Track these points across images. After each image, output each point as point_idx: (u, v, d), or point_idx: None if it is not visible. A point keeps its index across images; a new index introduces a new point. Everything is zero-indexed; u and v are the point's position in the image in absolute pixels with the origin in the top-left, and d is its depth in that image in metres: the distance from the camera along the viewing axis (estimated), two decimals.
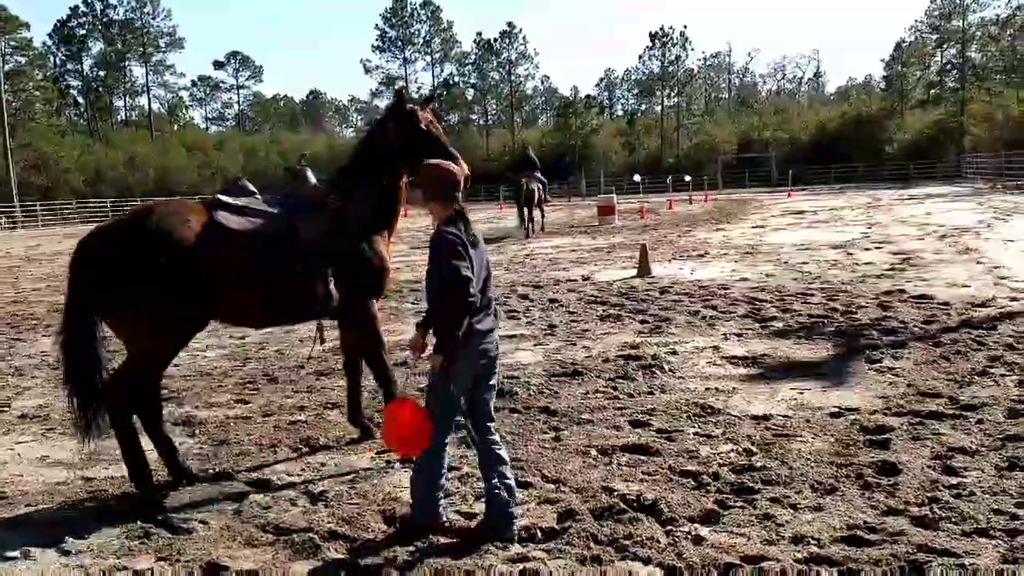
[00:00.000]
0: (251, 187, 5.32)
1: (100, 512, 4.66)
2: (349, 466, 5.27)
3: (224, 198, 5.09)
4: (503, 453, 4.22)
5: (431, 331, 4.07)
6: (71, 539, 4.25)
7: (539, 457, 5.22)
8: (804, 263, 14.40)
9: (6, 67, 59.94)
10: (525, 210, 24.09)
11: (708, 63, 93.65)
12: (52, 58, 76.15)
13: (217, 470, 5.24)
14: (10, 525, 4.51)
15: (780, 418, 5.82)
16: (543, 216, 26.07)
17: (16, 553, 4.11)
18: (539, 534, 4.08)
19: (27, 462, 5.63)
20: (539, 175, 25.22)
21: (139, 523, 4.40)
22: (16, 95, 62.51)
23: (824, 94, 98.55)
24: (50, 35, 76.75)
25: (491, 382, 4.23)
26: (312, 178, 5.42)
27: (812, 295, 10.86)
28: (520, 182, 24.41)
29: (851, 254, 15.38)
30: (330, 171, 5.77)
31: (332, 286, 5.15)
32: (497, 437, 4.25)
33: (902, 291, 10.82)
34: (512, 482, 4.16)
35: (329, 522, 4.34)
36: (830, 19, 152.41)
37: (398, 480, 4.95)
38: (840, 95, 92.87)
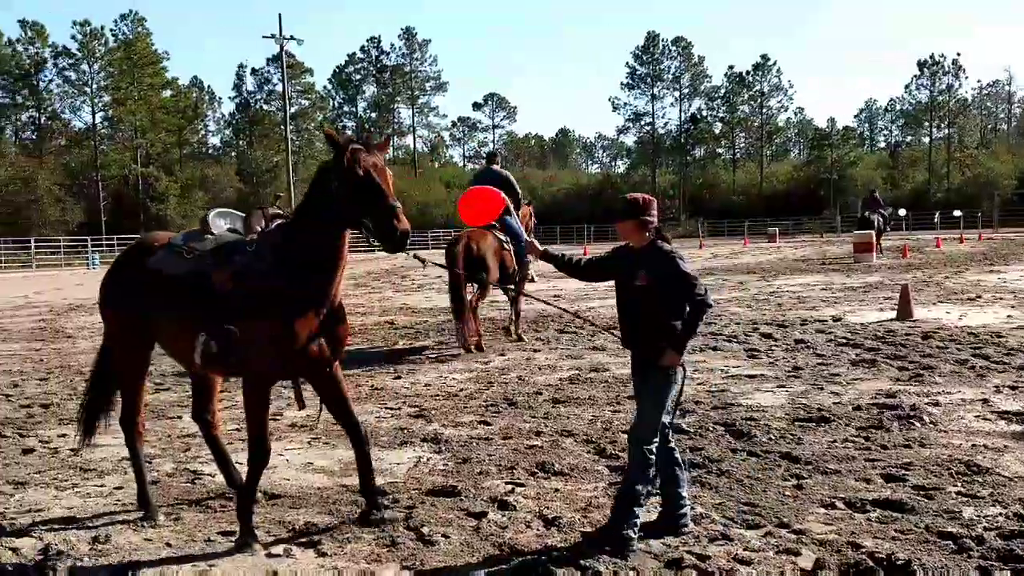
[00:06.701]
0: (215, 225, 5.04)
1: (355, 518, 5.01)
2: (581, 494, 5.32)
3: (175, 238, 5.06)
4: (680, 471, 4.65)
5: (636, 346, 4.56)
6: (328, 542, 4.60)
7: (778, 504, 5.00)
8: None
9: (292, 109, 67.30)
10: None
11: (984, 92, 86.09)
12: (331, 100, 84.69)
13: (460, 486, 5.48)
14: (278, 524, 4.96)
15: None
16: (880, 242, 28.63)
17: (279, 551, 4.53)
18: None
19: (294, 468, 6.16)
20: (882, 210, 29.79)
21: (388, 532, 4.68)
22: (299, 135, 69.97)
23: None
24: (330, 80, 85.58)
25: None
26: (259, 222, 4.91)
27: None
28: (863, 214, 29.10)
29: None
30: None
31: (228, 345, 4.53)
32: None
33: None
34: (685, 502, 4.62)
35: (563, 547, 4.41)
36: None
37: None
38: None
